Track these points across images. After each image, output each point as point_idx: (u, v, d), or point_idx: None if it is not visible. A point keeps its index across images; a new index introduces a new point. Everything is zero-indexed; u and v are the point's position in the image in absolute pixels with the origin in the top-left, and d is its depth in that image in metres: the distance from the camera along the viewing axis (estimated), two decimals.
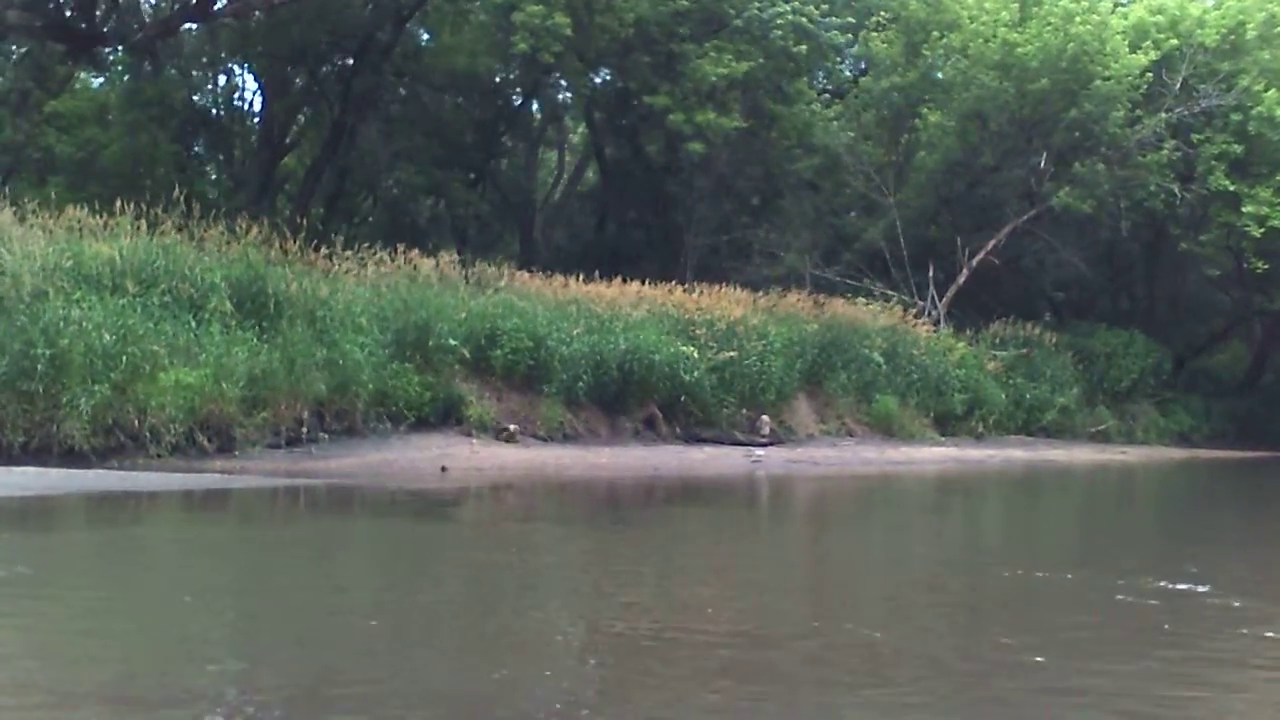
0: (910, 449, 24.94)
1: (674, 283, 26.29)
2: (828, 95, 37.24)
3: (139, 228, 18.68)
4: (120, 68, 36.73)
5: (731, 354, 22.64)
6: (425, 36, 35.84)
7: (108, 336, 15.90)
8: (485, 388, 20.16)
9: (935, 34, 32.07)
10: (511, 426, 19.53)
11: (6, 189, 22.89)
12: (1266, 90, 33.10)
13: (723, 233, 36.34)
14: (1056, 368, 32.00)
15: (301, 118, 36.29)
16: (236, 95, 38.56)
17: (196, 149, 38.91)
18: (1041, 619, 7.87)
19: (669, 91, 31.50)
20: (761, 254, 34.37)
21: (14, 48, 35.60)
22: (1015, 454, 26.85)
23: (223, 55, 33.58)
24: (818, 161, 34.42)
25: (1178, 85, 31.75)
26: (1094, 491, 21.88)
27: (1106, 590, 8.87)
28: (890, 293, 32.33)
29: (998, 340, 31.74)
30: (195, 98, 37.34)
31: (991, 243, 32.50)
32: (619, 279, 24.55)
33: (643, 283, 24.54)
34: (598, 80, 39.01)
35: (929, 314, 32.07)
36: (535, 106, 40.34)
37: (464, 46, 33.37)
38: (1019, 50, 30.57)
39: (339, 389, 18.04)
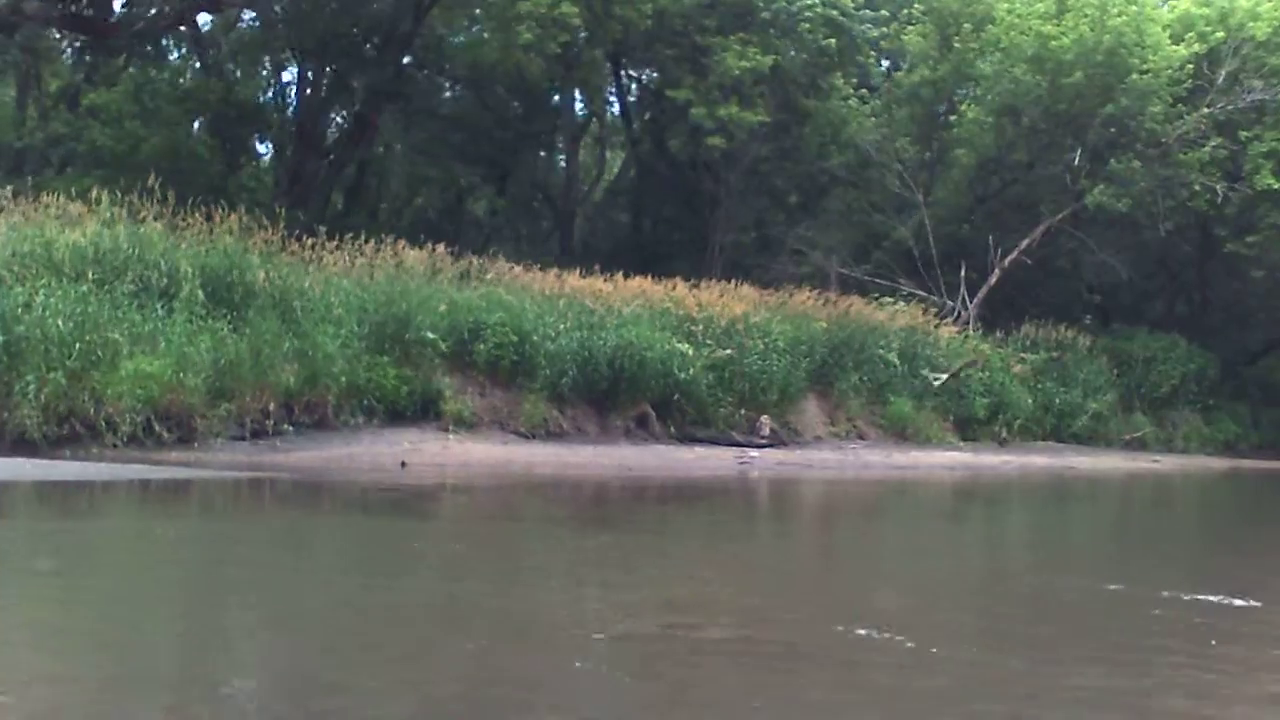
0: (920, 453, 24.07)
1: (702, 280, 25.96)
2: (866, 90, 36.38)
3: (118, 215, 18.56)
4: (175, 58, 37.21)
5: (728, 352, 21.99)
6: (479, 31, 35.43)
7: (64, 323, 15.70)
8: (468, 382, 19.73)
9: (967, 26, 31.09)
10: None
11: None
12: None
13: (754, 230, 35.72)
14: (1091, 372, 30.86)
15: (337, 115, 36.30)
16: (275, 88, 38.76)
17: (257, 143, 39.14)
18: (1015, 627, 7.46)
19: (693, 85, 30.93)
20: (791, 252, 33.69)
21: (65, 42, 36.18)
22: (1035, 460, 25.81)
23: (224, 44, 33.38)
24: (848, 158, 33.62)
25: (1220, 78, 30.42)
26: (1106, 500, 20.87)
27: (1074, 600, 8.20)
28: (919, 293, 31.47)
29: (1028, 342, 30.68)
30: (258, 92, 37.47)
31: (1025, 242, 31.47)
32: (646, 276, 24.12)
33: (647, 277, 23.99)
34: (640, 76, 38.72)
35: (959, 315, 31.15)
36: (578, 102, 40.06)
37: (493, 40, 32.96)
38: (1053, 43, 29.52)
39: (309, 381, 17.71)
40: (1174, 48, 30.29)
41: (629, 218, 40.56)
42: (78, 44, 35.41)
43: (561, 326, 20.18)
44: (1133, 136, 30.36)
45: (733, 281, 26.71)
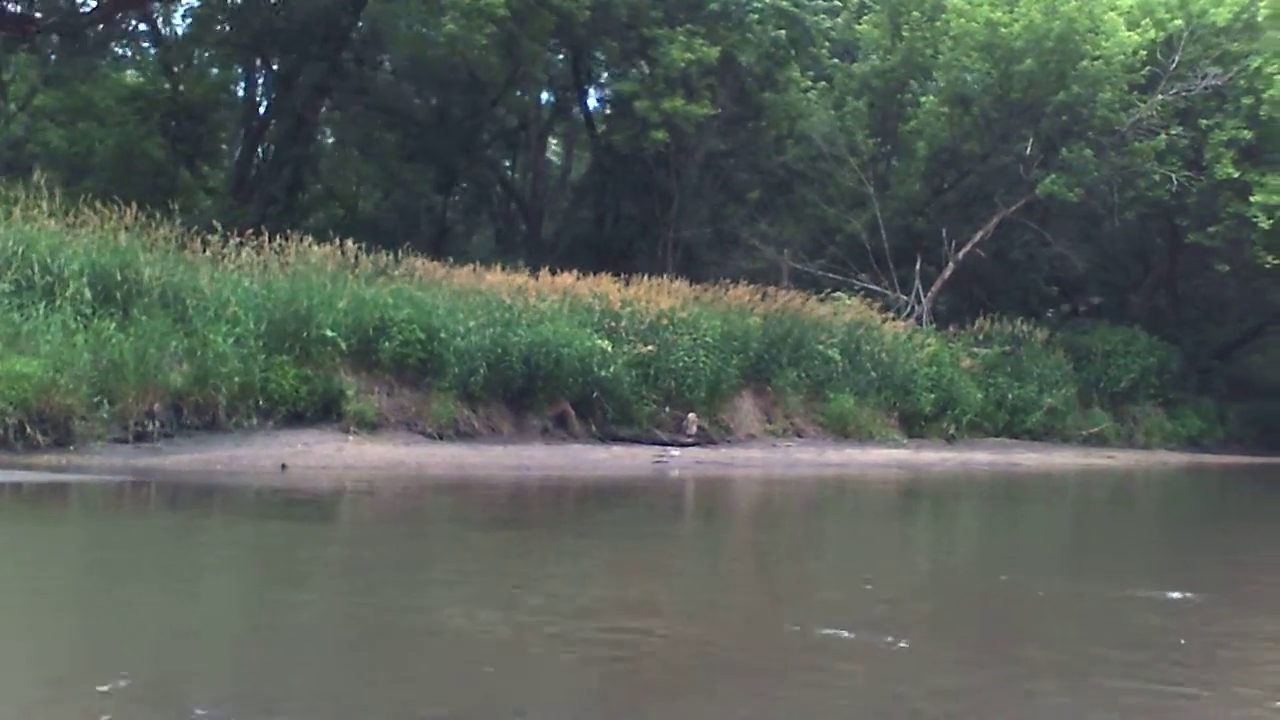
0: (856, 451, 23.46)
1: (655, 276, 25.58)
2: (824, 83, 35.78)
3: (10, 214, 18.06)
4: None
5: (649, 348, 21.37)
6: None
7: None
8: (374, 382, 19.12)
9: (917, 14, 30.47)
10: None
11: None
12: None
13: (709, 225, 35.09)
14: (1048, 367, 30.19)
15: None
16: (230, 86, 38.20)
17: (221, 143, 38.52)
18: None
19: (638, 78, 30.37)
20: (745, 247, 33.14)
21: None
22: (979, 457, 25.20)
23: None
24: (803, 151, 33.05)
25: (1173, 65, 29.73)
26: (1040, 499, 20.17)
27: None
28: (874, 288, 30.90)
29: (981, 337, 30.04)
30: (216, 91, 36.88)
31: (979, 235, 30.82)
32: (604, 274, 23.74)
33: (576, 275, 23.40)
34: (591, 70, 38.07)
35: (912, 310, 30.55)
36: (543, 97, 39.42)
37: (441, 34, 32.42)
38: (1003, 30, 28.89)
39: (199, 381, 17.14)
40: (1128, 34, 29.63)
41: (593, 215, 40.01)
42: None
43: (472, 323, 19.55)
44: (1085, 124, 29.69)
45: (687, 278, 26.28)
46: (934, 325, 30.17)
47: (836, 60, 34.12)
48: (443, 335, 19.30)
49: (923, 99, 32.30)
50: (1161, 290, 40.39)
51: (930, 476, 21.76)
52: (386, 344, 18.99)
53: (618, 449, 20.16)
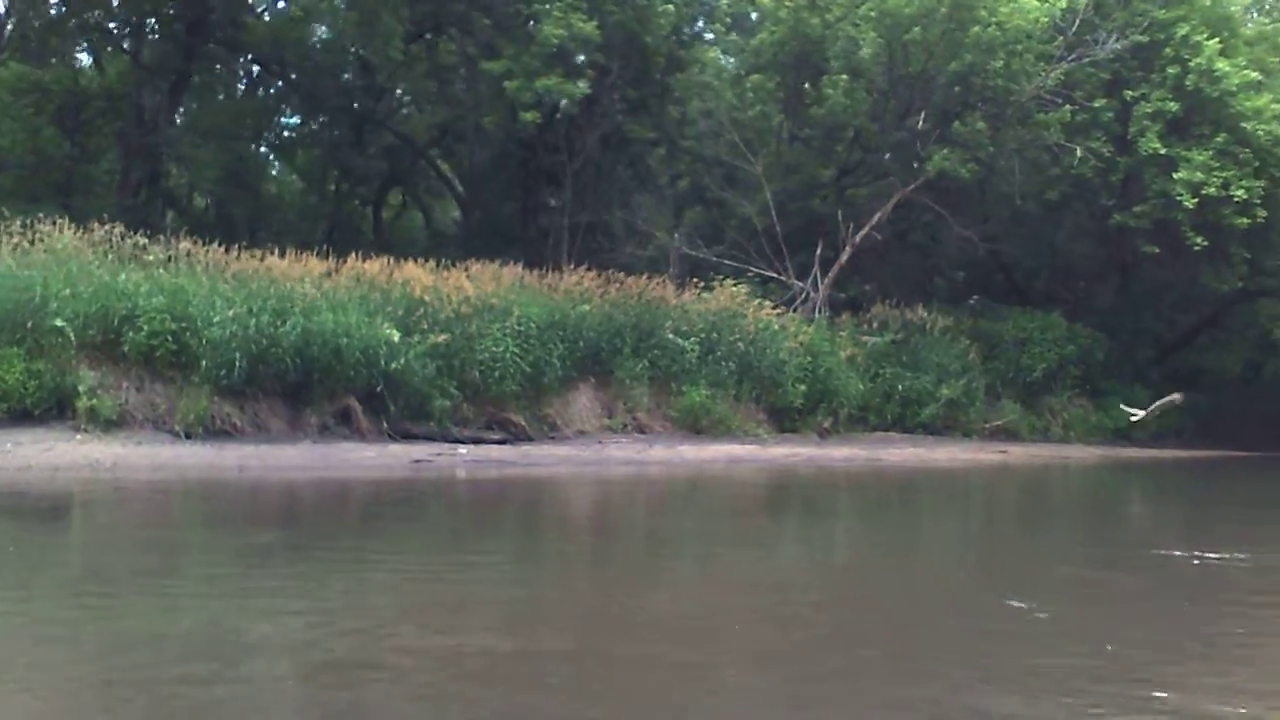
0: (691, 447, 21.73)
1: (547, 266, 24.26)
2: (734, 61, 34.06)
3: None
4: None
5: (443, 337, 19.80)
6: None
7: None
8: (122, 376, 17.75)
9: None
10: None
11: None
12: (1209, 40, 28.98)
13: (600, 211, 33.47)
14: (948, 356, 28.15)
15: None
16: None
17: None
18: None
19: (513, 56, 28.74)
20: (636, 234, 31.54)
21: None
22: (839, 453, 23.35)
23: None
24: (698, 130, 31.37)
25: (1073, 29, 27.63)
26: (844, 502, 18.28)
27: None
28: (770, 274, 29.16)
29: (875, 324, 28.13)
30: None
31: (876, 217, 28.90)
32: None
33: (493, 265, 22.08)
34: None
35: (807, 297, 28.75)
36: None
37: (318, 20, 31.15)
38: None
39: None
40: (1034, 1, 27.54)
41: (517, 205, 38.57)
42: None
43: (230, 311, 18.08)
44: (978, 95, 27.69)
45: (584, 265, 24.81)
46: (828, 313, 28.33)
47: (735, 36, 32.35)
48: (199, 324, 17.89)
49: (826, 77, 30.43)
50: (1123, 278, 37.99)
51: (756, 475, 19.96)
52: (132, 334, 17.61)
53: (394, 448, 18.60)
